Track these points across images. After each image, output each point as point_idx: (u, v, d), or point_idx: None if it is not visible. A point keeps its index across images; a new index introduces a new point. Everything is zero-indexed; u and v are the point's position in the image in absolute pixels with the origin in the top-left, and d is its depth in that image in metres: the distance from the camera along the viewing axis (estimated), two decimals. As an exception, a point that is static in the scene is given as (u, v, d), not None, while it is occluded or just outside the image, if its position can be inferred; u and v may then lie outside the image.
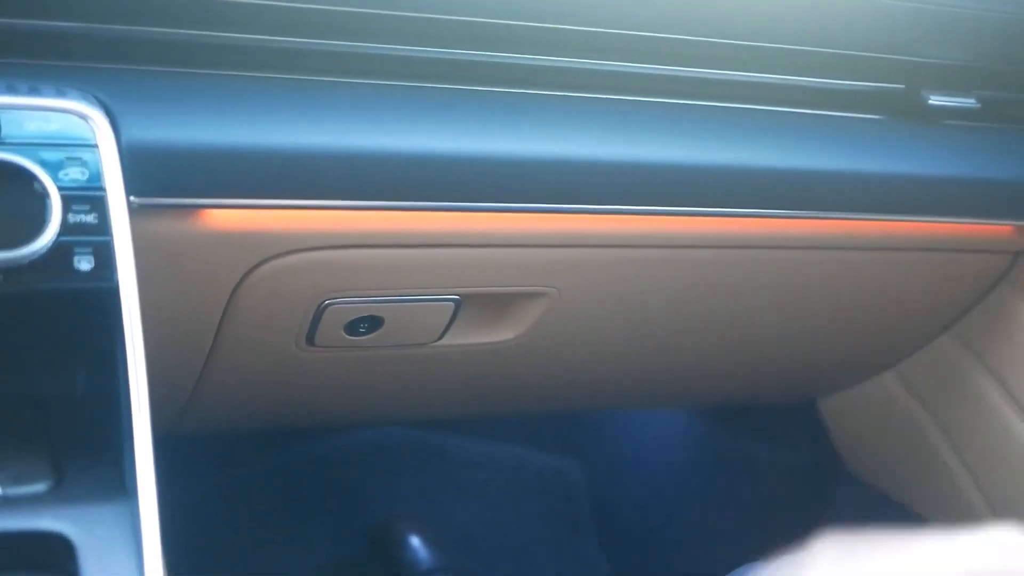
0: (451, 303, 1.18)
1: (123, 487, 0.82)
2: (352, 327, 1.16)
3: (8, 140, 0.85)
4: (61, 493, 0.83)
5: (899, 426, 1.65)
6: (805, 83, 1.22)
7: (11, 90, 0.88)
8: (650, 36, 1.14)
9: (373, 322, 1.17)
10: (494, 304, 1.22)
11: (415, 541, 1.78)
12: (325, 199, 1.02)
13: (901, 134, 1.27)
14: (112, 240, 0.86)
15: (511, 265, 1.17)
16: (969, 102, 1.27)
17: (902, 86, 1.26)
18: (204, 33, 0.99)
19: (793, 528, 0.70)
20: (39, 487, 0.83)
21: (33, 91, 0.89)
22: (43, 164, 0.85)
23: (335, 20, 1.02)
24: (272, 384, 1.26)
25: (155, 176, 0.93)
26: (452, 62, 1.07)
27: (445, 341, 1.23)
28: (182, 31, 0.98)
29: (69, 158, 0.86)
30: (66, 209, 0.84)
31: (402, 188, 1.05)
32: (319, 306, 1.12)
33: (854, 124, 1.26)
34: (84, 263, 0.84)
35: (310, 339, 1.16)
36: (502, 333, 1.26)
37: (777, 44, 1.19)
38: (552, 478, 2.06)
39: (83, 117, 0.89)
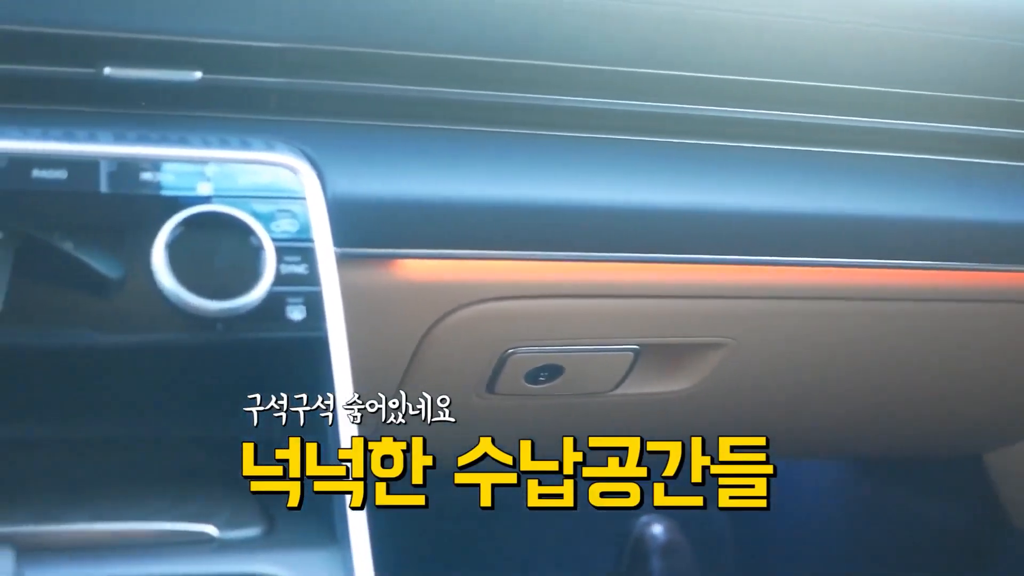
0: (631, 352, 1.18)
1: (332, 533, 0.83)
2: (532, 375, 1.17)
3: (222, 193, 0.88)
4: (274, 538, 0.84)
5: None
6: (958, 131, 1.20)
7: (224, 144, 0.91)
8: (807, 85, 1.13)
9: (553, 371, 1.17)
10: (671, 354, 1.22)
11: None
12: (514, 250, 1.04)
13: None
14: (322, 290, 0.88)
15: (690, 315, 1.17)
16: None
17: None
18: (402, 87, 1.01)
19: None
20: (253, 531, 0.85)
21: (244, 145, 0.92)
22: (256, 216, 0.87)
23: (527, 74, 1.03)
24: (448, 431, 1.27)
25: (356, 227, 0.96)
26: (641, 115, 1.08)
27: (621, 390, 1.23)
28: (381, 86, 1.00)
29: (280, 210, 0.89)
30: (279, 260, 0.86)
31: (587, 240, 1.06)
32: (503, 354, 1.13)
33: (1010, 172, 1.23)
34: (296, 312, 0.86)
35: (490, 387, 1.17)
36: (677, 383, 1.25)
37: (927, 92, 1.18)
38: (697, 526, 2.04)
39: (292, 170, 0.91)
